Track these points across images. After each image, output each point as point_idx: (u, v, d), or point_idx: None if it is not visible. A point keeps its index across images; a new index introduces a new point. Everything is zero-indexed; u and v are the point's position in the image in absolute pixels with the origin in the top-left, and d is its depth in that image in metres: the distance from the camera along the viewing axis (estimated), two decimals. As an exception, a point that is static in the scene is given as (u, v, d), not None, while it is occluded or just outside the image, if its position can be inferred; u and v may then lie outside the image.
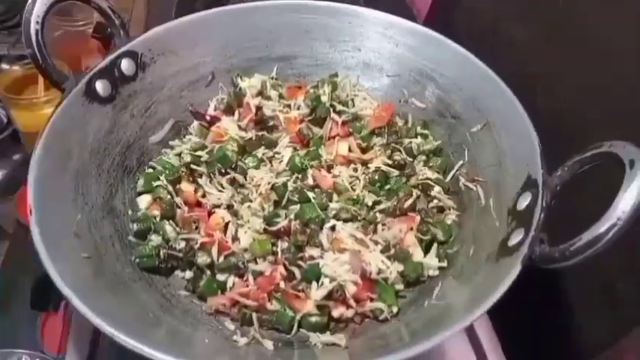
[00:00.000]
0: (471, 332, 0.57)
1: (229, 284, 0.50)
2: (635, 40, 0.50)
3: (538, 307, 0.64)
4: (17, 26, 0.95)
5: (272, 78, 0.65)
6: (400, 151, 0.59)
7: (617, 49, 0.52)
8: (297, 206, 0.54)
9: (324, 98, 0.61)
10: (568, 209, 0.46)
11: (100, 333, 0.54)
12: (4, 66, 0.85)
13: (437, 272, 0.51)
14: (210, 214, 0.54)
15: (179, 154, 0.59)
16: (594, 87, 0.55)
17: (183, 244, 0.51)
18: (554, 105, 0.60)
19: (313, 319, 0.47)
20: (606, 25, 0.53)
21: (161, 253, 0.51)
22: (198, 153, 0.58)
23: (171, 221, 0.53)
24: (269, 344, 0.46)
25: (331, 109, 0.61)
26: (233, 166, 0.57)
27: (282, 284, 0.49)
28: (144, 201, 0.55)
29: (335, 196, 0.55)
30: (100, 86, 0.54)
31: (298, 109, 0.62)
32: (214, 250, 0.50)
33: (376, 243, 0.51)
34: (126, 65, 0.57)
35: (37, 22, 0.50)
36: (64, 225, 0.45)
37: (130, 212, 0.54)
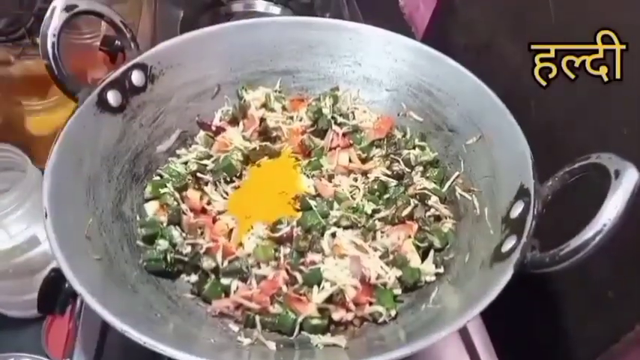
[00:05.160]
0: (465, 338, 0.59)
1: (233, 288, 0.51)
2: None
3: (532, 316, 0.66)
4: (22, 38, 0.97)
5: (276, 91, 0.67)
6: (399, 161, 0.61)
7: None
8: (300, 214, 0.56)
9: (326, 111, 0.63)
10: (558, 217, 0.48)
11: (105, 337, 0.56)
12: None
13: (433, 278, 0.53)
14: (214, 220, 0.56)
15: (185, 163, 0.61)
16: (584, 102, 0.57)
17: (189, 248, 0.53)
18: (545, 119, 0.62)
19: (314, 321, 0.49)
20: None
21: (168, 257, 0.52)
22: (204, 162, 0.60)
23: (177, 227, 0.55)
24: (272, 345, 0.47)
25: (332, 121, 0.63)
26: (238, 174, 0.60)
27: (284, 288, 0.50)
28: (151, 207, 0.57)
29: (336, 205, 0.57)
30: (112, 96, 0.56)
31: (300, 120, 0.65)
32: (219, 255, 0.52)
33: (375, 249, 0.53)
34: (136, 77, 0.59)
35: (54, 35, 0.52)
36: (77, 228, 0.47)
37: (138, 217, 0.56)
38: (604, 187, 0.40)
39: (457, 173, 0.60)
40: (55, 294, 0.60)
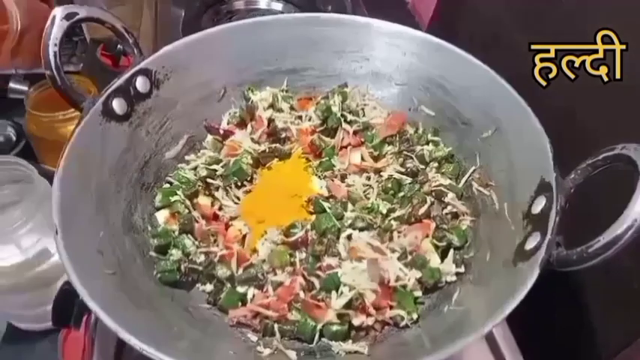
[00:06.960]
0: (488, 335, 0.58)
1: (249, 296, 0.51)
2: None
3: (554, 310, 0.64)
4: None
5: (283, 90, 0.66)
6: (412, 158, 0.60)
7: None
8: (313, 217, 0.55)
9: (335, 109, 0.61)
10: (580, 211, 0.47)
11: (122, 351, 0.55)
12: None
13: (454, 278, 0.51)
14: (227, 226, 0.55)
15: (195, 169, 0.60)
16: (602, 89, 0.55)
17: (202, 257, 0.52)
18: (562, 108, 0.60)
19: (334, 328, 0.48)
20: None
21: (182, 267, 0.51)
22: (214, 167, 0.59)
23: (189, 235, 0.54)
24: (292, 354, 0.46)
25: (342, 119, 0.61)
26: (248, 178, 0.58)
27: (301, 294, 0.49)
28: (162, 216, 0.56)
29: (350, 206, 0.56)
30: (117, 104, 0.55)
31: (310, 120, 0.63)
32: (233, 263, 0.51)
33: (393, 250, 0.52)
34: (141, 83, 0.57)
35: (55, 45, 0.51)
36: (88, 242, 0.46)
37: (149, 228, 0.55)
38: (624, 180, 0.38)
39: (473, 168, 0.58)
40: (69, 307, 0.60)
